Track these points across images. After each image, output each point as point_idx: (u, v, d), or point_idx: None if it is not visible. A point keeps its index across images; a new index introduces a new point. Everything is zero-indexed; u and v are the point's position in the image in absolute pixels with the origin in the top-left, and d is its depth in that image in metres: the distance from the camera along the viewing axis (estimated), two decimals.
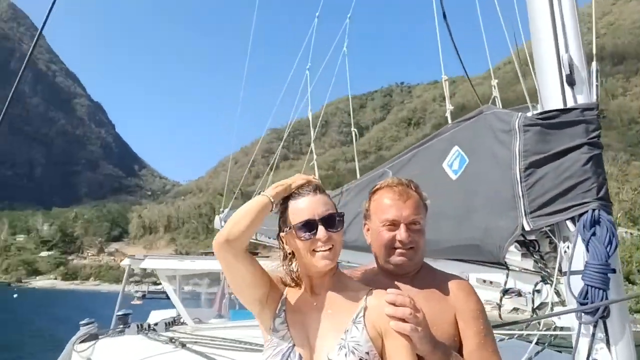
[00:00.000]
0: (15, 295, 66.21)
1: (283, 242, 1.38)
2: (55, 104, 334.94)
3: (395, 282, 1.48)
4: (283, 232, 1.35)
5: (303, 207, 1.30)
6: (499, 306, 2.01)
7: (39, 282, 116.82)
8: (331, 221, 1.29)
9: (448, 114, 2.75)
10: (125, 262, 4.75)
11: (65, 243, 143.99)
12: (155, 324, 3.97)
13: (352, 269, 1.65)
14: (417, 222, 1.48)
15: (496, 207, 1.95)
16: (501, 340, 2.72)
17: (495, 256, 1.92)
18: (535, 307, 1.97)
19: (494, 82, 2.79)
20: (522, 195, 1.86)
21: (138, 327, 3.78)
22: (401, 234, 1.45)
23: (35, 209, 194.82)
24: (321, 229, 1.26)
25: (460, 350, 1.39)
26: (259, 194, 1.33)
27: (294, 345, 1.29)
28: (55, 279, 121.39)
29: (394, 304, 1.24)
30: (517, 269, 2.01)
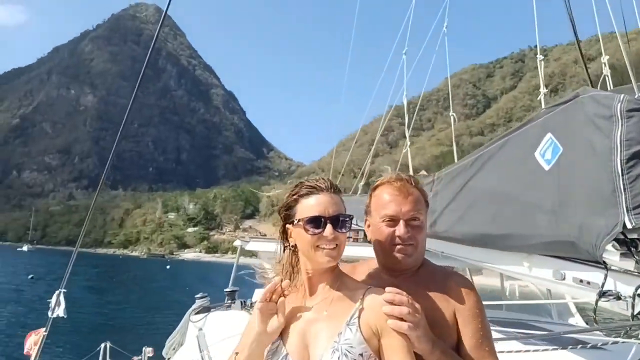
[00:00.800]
0: (168, 267, 76.42)
1: (288, 234, 1.38)
2: (196, 95, 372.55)
3: (395, 279, 1.47)
4: (290, 223, 1.35)
5: (314, 204, 1.31)
6: (595, 310, 1.82)
7: (187, 255, 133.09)
8: (339, 221, 1.30)
9: (541, 97, 2.52)
10: (237, 244, 5.06)
11: (208, 220, 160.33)
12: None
13: (353, 264, 1.63)
14: (416, 218, 1.46)
15: (593, 201, 1.75)
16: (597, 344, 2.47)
17: (591, 255, 1.74)
18: (636, 313, 1.75)
19: (604, 58, 2.43)
20: (624, 190, 1.63)
21: (242, 303, 4.09)
22: (400, 229, 1.44)
23: (182, 189, 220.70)
24: (329, 227, 1.28)
25: (459, 349, 1.37)
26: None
27: (287, 354, 1.30)
28: (200, 252, 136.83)
29: (392, 303, 1.23)
30: (618, 269, 1.80)
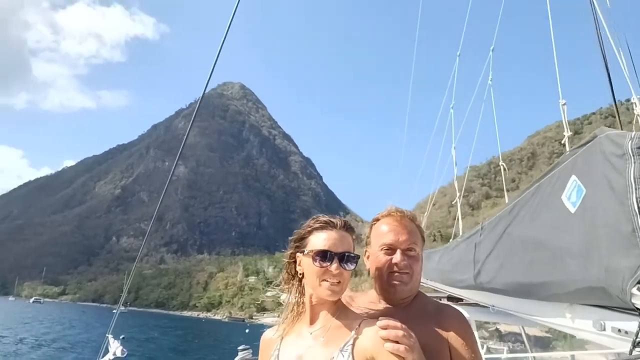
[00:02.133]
0: (247, 330, 76.83)
1: (297, 262, 1.46)
2: (276, 162, 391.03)
3: (391, 309, 1.52)
4: (301, 252, 1.43)
5: (325, 238, 1.38)
6: None
7: (266, 319, 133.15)
8: (346, 259, 1.37)
9: (565, 140, 2.54)
10: None
11: None
12: None
13: (353, 293, 1.67)
14: (412, 249, 1.53)
15: (616, 242, 1.70)
16: None
17: (622, 300, 1.67)
18: None
19: (635, 98, 2.41)
20: None
21: None
22: (397, 257, 1.51)
23: (263, 253, 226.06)
24: (335, 263, 1.35)
25: None
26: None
27: None
28: (278, 316, 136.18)
29: (386, 328, 1.27)
30: None
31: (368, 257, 1.62)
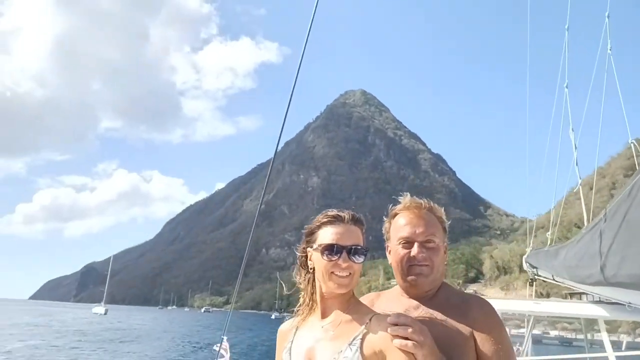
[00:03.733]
0: None
1: (308, 257, 1.47)
2: (404, 163, 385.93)
3: (414, 301, 1.51)
4: (311, 247, 1.44)
5: (333, 232, 1.38)
6: None
7: None
8: (355, 252, 1.37)
9: None
10: None
11: None
12: None
13: (378, 292, 1.70)
14: (431, 240, 1.51)
15: None
16: None
17: None
18: None
19: None
20: None
21: None
22: (415, 250, 1.49)
23: None
24: (344, 256, 1.35)
25: None
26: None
27: None
28: None
29: (396, 324, 1.26)
30: None
31: (390, 252, 1.61)
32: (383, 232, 1.65)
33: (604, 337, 3.39)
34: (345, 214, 1.42)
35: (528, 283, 6.22)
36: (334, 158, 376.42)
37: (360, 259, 1.38)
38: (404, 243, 1.52)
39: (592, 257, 2.79)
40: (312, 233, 1.46)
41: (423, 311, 1.44)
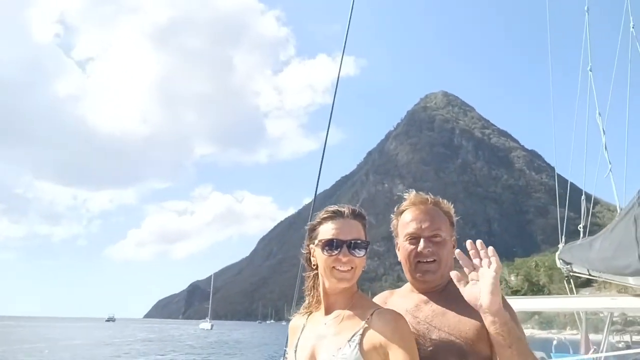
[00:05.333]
0: None
1: (311, 253, 1.47)
2: (496, 162, 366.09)
3: (424, 296, 1.52)
4: (314, 243, 1.43)
5: (333, 227, 1.39)
6: None
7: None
8: (355, 245, 1.37)
9: None
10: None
11: (534, 292, 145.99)
12: None
13: (392, 290, 1.69)
14: (437, 235, 1.51)
15: None
16: None
17: None
18: None
19: None
20: None
21: None
22: (421, 245, 1.50)
23: (501, 261, 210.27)
24: (344, 250, 1.35)
25: (477, 355, 1.36)
26: None
27: None
28: (533, 328, 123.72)
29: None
30: None
31: (398, 249, 1.60)
32: (391, 229, 1.65)
33: None
34: (345, 209, 1.42)
35: (565, 281, 5.60)
36: (418, 164, 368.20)
37: (361, 253, 1.38)
38: (410, 239, 1.53)
39: (629, 244, 2.65)
40: (313, 229, 1.45)
41: (434, 305, 1.45)
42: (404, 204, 1.62)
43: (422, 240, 1.50)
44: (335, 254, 1.35)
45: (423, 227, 1.51)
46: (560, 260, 5.04)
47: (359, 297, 1.43)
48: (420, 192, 1.62)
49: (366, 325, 1.30)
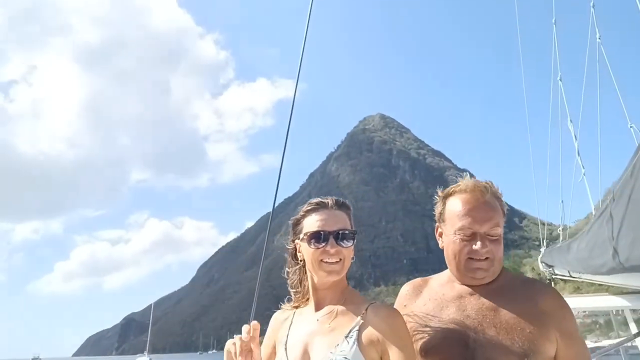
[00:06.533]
0: None
1: (297, 249, 1.42)
2: (431, 181, 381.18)
3: (471, 288, 1.41)
4: (299, 238, 1.39)
5: (318, 219, 1.35)
6: None
7: None
8: (342, 236, 1.33)
9: None
10: None
11: None
12: None
13: (425, 278, 1.59)
14: (495, 232, 1.35)
15: None
16: None
17: None
18: None
19: None
20: None
21: None
22: (477, 245, 1.34)
23: None
24: (331, 241, 1.31)
25: (540, 355, 1.26)
26: None
27: None
28: None
29: None
30: None
31: (440, 235, 1.48)
32: (434, 212, 1.51)
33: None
34: (329, 200, 1.39)
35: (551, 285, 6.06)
36: (359, 184, 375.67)
37: (349, 244, 1.34)
38: (463, 234, 1.37)
39: (603, 243, 2.65)
40: (297, 223, 1.42)
41: (482, 299, 1.34)
42: (454, 186, 1.47)
43: (478, 238, 1.34)
44: (323, 246, 1.31)
45: (481, 223, 1.34)
46: (543, 264, 5.27)
47: (350, 292, 1.39)
48: (474, 179, 1.46)
49: (362, 321, 1.27)
